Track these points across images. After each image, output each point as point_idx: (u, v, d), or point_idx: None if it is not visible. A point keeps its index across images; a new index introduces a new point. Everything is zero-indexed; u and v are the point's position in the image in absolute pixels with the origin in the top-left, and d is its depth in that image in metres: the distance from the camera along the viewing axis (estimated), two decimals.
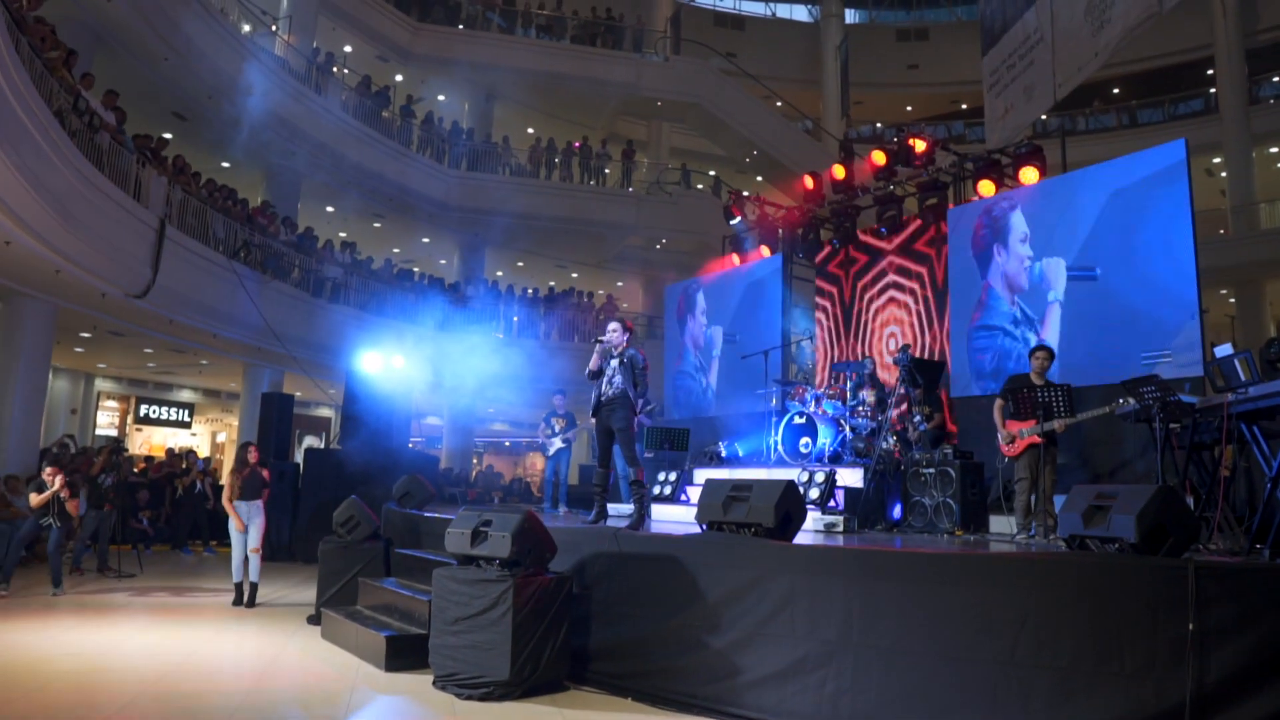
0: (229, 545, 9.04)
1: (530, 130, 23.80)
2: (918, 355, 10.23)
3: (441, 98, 22.66)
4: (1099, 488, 4.60)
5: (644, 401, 6.90)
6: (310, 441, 23.08)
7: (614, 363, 6.96)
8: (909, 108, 28.94)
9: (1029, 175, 9.70)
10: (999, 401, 7.35)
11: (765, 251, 12.92)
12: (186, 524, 14.26)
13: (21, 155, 9.15)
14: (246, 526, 8.84)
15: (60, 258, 10.96)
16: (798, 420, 9.37)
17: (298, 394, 18.43)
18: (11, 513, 11.08)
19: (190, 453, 16.72)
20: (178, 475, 14.87)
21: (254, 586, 8.82)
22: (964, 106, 27.49)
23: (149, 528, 13.97)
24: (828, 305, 12.26)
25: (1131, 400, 6.15)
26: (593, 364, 7.01)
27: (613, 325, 7.07)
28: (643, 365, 6.95)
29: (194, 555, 13.70)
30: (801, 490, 6.58)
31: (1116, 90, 25.55)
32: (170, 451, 17.41)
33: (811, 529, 7.24)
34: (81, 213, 10.79)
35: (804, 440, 9.24)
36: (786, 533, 5.44)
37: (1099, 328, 8.59)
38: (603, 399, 6.96)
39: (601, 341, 7.05)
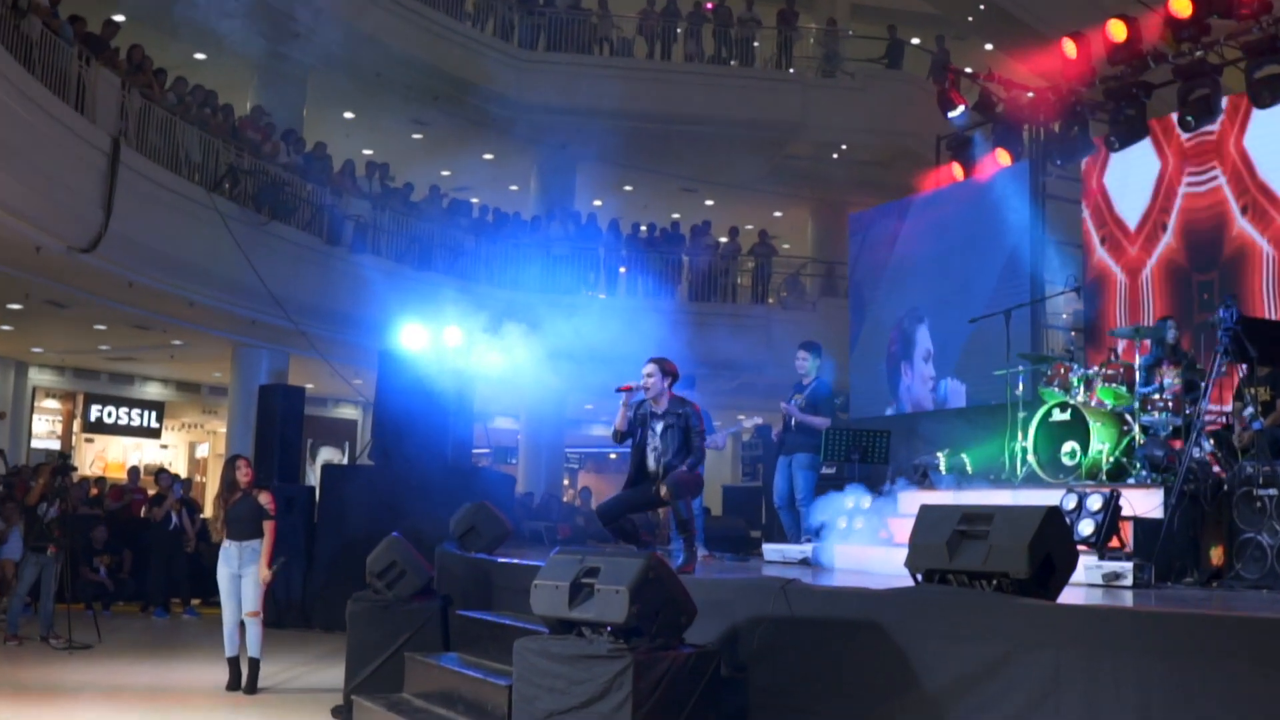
0: (217, 604, 9.39)
1: None
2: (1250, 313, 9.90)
3: None
4: None
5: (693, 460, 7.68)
6: (329, 455, 23.83)
7: (658, 425, 7.67)
8: None
9: None
10: None
11: (1003, 158, 12.68)
12: (159, 574, 14.80)
13: None
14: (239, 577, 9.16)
15: None
16: (1058, 416, 9.21)
17: (310, 386, 19.01)
18: None
19: (161, 472, 17.31)
20: (145, 505, 15.47)
21: (254, 664, 9.11)
22: None
23: (108, 579, 14.64)
24: (1103, 239, 11.93)
25: None
26: (619, 423, 7.83)
27: (648, 368, 7.66)
28: (699, 428, 7.67)
29: (169, 617, 14.31)
30: (1069, 522, 6.47)
31: None
32: (134, 471, 18.14)
33: (1085, 581, 7.10)
34: (2, 131, 11.27)
35: (1069, 446, 9.07)
36: (1047, 587, 5.35)
37: None
38: (648, 470, 7.71)
39: (631, 390, 7.69)
